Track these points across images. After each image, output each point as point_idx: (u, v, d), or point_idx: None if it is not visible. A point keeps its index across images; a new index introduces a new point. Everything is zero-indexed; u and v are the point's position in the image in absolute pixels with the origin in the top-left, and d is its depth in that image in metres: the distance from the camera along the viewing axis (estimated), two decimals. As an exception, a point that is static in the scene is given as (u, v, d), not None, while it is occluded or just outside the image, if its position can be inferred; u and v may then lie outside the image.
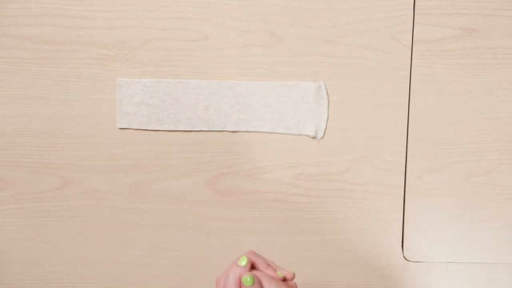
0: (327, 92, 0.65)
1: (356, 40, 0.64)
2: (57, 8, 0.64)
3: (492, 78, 0.65)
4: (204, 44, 0.65)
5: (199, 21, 0.64)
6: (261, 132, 0.66)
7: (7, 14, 0.64)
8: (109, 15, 0.64)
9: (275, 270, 0.55)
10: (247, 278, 0.53)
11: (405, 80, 0.65)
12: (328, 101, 0.65)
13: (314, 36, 0.64)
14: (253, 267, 0.55)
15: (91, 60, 0.65)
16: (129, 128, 0.66)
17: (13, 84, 0.65)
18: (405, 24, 0.64)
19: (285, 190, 0.67)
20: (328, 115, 0.65)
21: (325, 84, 0.64)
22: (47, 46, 0.64)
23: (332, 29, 0.64)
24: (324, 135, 0.66)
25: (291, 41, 0.64)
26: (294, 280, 0.55)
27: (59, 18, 0.64)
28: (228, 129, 0.66)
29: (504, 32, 0.64)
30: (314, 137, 0.66)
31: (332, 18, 0.64)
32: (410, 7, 0.63)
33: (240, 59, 0.65)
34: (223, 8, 0.64)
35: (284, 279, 0.55)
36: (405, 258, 0.68)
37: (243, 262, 0.54)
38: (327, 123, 0.65)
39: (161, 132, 0.66)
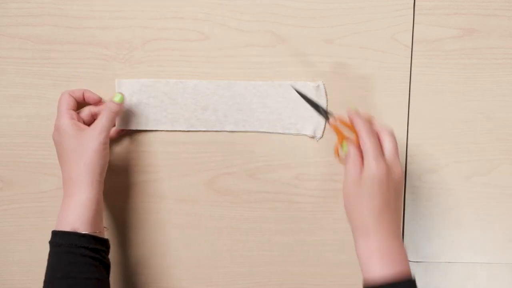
0: (325, 92, 0.65)
1: (356, 40, 0.64)
2: (57, 8, 0.64)
3: (492, 78, 0.65)
4: (204, 44, 0.65)
5: (199, 21, 0.64)
6: (260, 132, 0.66)
7: (7, 14, 0.64)
8: (109, 15, 0.64)
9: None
10: None
11: (405, 80, 0.65)
12: (327, 100, 0.65)
13: (314, 36, 0.64)
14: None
15: (91, 60, 0.65)
16: (128, 129, 0.65)
17: (13, 84, 0.65)
18: (405, 24, 0.64)
19: (285, 190, 0.67)
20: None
21: (323, 84, 0.64)
22: (47, 46, 0.64)
23: (332, 29, 0.64)
24: (323, 135, 0.66)
25: (291, 41, 0.64)
26: None
27: (59, 18, 0.64)
28: (227, 129, 0.66)
29: (504, 32, 0.64)
30: (313, 137, 0.66)
31: (332, 18, 0.64)
32: (410, 7, 0.63)
33: (240, 59, 0.65)
34: (223, 8, 0.64)
35: None
36: (405, 258, 0.68)
37: (117, 97, 0.61)
38: (326, 123, 0.65)
39: (161, 132, 0.66)
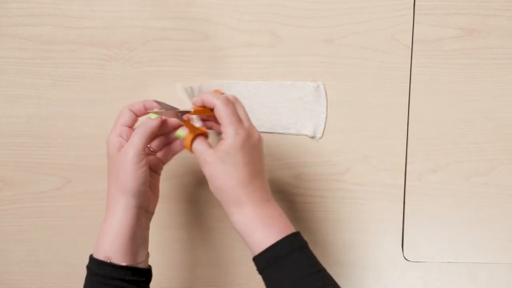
0: (325, 92, 0.65)
1: (356, 40, 0.64)
2: (57, 8, 0.64)
3: (492, 78, 0.65)
4: (204, 44, 0.65)
5: (199, 21, 0.64)
6: (260, 132, 0.66)
7: (7, 14, 0.64)
8: (109, 15, 0.64)
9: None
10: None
11: (405, 80, 0.65)
12: (327, 100, 0.65)
13: (314, 36, 0.64)
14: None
15: (91, 60, 0.65)
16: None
17: (13, 84, 0.65)
18: (405, 24, 0.64)
19: (285, 190, 0.67)
20: (326, 115, 0.65)
21: (323, 84, 0.64)
22: (47, 46, 0.64)
23: (332, 29, 0.64)
24: (323, 135, 0.66)
25: (291, 41, 0.64)
26: None
27: (59, 18, 0.64)
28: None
29: (504, 32, 0.64)
30: (313, 137, 0.66)
31: (332, 18, 0.64)
32: (410, 7, 0.63)
33: (240, 59, 0.65)
34: (223, 8, 0.64)
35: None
36: (405, 258, 0.68)
37: (153, 114, 0.53)
38: (325, 123, 0.65)
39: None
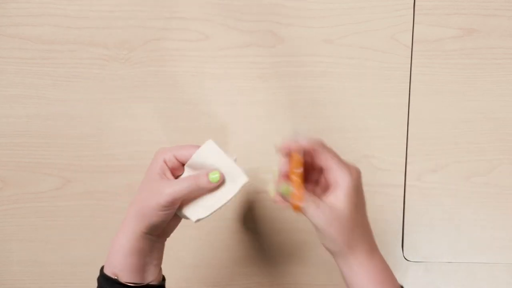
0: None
1: (356, 40, 0.64)
2: (57, 8, 0.64)
3: (492, 78, 0.65)
4: (204, 44, 0.65)
5: (199, 21, 0.64)
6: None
7: (7, 14, 0.64)
8: (109, 15, 0.64)
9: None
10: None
11: (405, 80, 0.65)
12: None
13: (314, 36, 0.64)
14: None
15: (91, 60, 0.65)
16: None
17: (13, 84, 0.65)
18: (405, 24, 0.64)
19: (285, 190, 0.67)
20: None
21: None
22: (47, 46, 0.64)
23: (332, 29, 0.64)
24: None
25: (291, 41, 0.64)
26: None
27: (59, 18, 0.64)
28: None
29: (504, 32, 0.64)
30: None
31: (332, 18, 0.64)
32: (410, 7, 0.63)
33: (240, 59, 0.65)
34: (223, 8, 0.64)
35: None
36: (405, 258, 0.68)
37: (214, 177, 0.48)
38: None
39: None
